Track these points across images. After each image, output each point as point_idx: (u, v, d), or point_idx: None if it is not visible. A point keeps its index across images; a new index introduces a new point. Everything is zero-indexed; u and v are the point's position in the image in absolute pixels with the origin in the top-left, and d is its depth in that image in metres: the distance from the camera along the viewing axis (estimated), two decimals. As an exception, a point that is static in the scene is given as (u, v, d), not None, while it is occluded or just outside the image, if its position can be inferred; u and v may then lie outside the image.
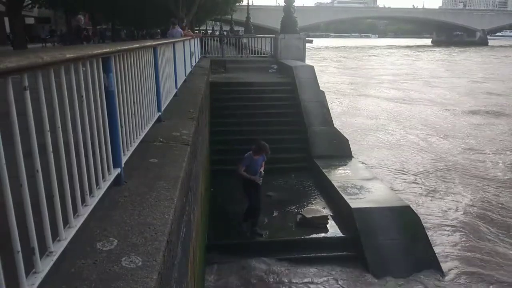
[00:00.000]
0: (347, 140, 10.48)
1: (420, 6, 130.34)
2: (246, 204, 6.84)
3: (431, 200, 9.27)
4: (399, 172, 11.20)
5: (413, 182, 10.44)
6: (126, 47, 2.70)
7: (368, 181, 8.21)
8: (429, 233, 7.07)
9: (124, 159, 2.58)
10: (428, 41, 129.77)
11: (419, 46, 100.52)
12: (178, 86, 6.11)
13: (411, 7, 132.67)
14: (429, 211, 8.58)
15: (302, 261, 6.37)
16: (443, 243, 7.25)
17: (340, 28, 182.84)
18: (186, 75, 7.95)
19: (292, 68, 12.46)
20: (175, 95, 5.76)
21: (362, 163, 10.04)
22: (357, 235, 6.55)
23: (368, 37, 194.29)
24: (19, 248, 1.21)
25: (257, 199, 6.70)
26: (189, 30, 15.49)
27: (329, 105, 11.61)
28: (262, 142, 6.69)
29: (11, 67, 1.11)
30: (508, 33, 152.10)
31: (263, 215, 7.09)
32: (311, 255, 6.48)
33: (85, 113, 1.90)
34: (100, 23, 41.54)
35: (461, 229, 7.85)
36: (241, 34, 34.41)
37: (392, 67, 45.25)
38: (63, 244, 1.54)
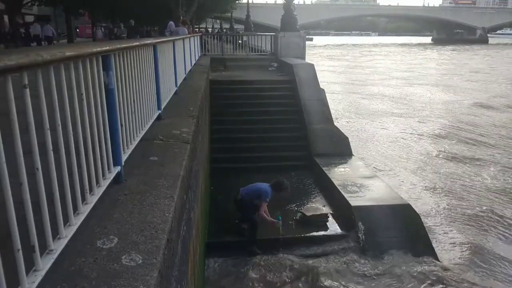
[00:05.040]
0: (347, 138, 10.47)
1: (420, 4, 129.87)
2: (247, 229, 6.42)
3: (432, 199, 9.26)
4: (399, 170, 11.20)
5: (414, 181, 10.44)
6: (126, 45, 2.71)
7: (368, 179, 8.21)
8: (429, 231, 7.07)
9: (124, 157, 2.58)
10: (428, 39, 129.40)
11: (419, 44, 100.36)
12: (178, 84, 6.11)
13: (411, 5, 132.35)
14: (429, 210, 8.58)
15: (302, 259, 6.37)
16: (444, 242, 7.25)
17: (341, 26, 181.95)
18: (186, 73, 7.94)
19: (292, 66, 12.43)
20: (175, 93, 5.76)
21: (362, 161, 10.03)
22: (357, 233, 6.55)
23: (368, 35, 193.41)
24: (20, 246, 1.21)
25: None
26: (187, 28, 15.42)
27: (329, 103, 11.59)
28: (286, 183, 6.35)
29: (11, 65, 1.11)
30: (508, 31, 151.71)
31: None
32: (311, 253, 6.48)
33: (85, 111, 1.90)
34: (100, 20, 41.42)
35: (462, 228, 7.85)
36: (240, 31, 34.27)
37: (392, 65, 45.19)
38: (64, 242, 1.55)
